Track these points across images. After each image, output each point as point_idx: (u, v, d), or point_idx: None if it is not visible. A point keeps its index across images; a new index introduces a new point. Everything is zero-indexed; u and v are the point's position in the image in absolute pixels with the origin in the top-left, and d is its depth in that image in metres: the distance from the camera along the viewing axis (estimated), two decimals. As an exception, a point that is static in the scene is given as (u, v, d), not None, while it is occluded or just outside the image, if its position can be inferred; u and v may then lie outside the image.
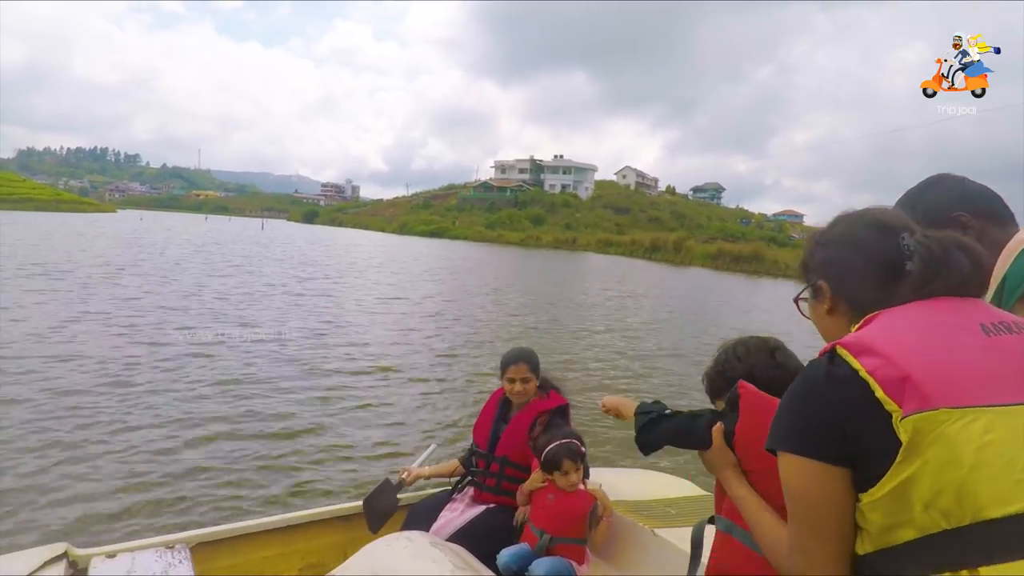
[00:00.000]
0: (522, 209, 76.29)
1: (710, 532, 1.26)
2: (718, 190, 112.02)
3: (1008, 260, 1.06)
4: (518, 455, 2.34)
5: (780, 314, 17.45)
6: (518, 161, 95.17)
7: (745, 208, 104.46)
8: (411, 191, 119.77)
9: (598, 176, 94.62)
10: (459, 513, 2.32)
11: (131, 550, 1.89)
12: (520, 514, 2.27)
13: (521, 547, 2.09)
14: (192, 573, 1.83)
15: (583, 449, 2.16)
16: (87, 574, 1.77)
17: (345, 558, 2.00)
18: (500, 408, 2.51)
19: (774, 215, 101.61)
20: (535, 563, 2.03)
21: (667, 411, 1.27)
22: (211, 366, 7.06)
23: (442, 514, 2.33)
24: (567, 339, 10.97)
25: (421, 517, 2.32)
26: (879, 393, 0.71)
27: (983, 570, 0.65)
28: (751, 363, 1.26)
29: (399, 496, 2.46)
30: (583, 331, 12.10)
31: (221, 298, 12.55)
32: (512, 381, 2.38)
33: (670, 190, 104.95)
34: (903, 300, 0.82)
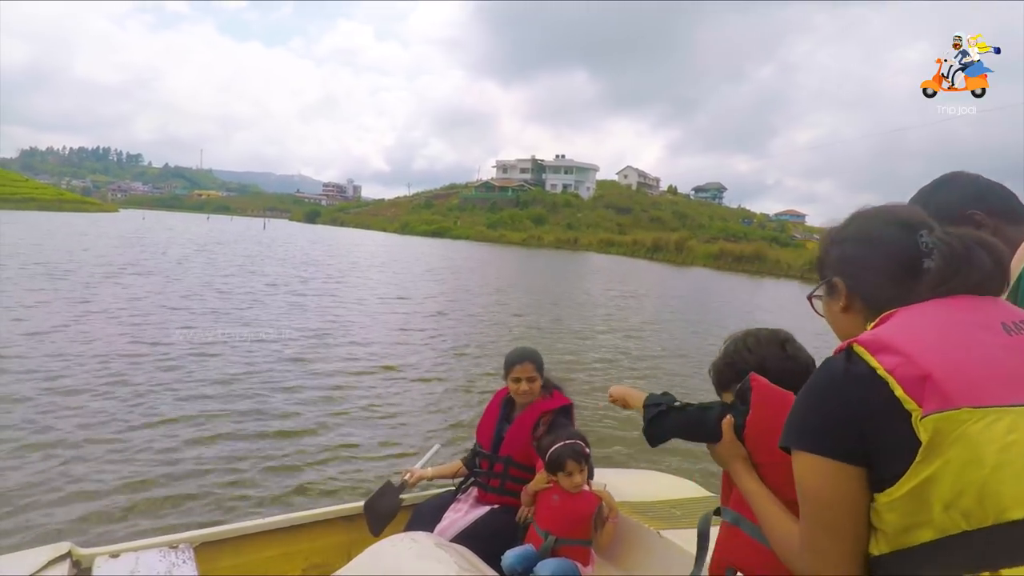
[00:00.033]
0: (524, 209, 76.33)
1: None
2: (720, 190, 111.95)
3: (1023, 259, 1.05)
4: (522, 455, 2.33)
5: (783, 314, 17.44)
6: (520, 161, 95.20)
7: (747, 208, 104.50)
8: (413, 191, 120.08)
9: (600, 176, 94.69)
10: (463, 514, 2.31)
11: (135, 550, 1.89)
12: (523, 512, 2.26)
13: (526, 548, 2.08)
14: (196, 573, 1.82)
15: (587, 450, 2.14)
16: (91, 574, 1.76)
17: (349, 559, 1.99)
18: (503, 408, 2.49)
19: (776, 215, 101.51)
20: (540, 564, 2.02)
21: (676, 403, 1.26)
22: (214, 365, 7.07)
23: (446, 515, 2.32)
24: (570, 339, 10.96)
25: (425, 518, 2.31)
26: (898, 392, 0.70)
27: (1005, 572, 0.64)
28: (762, 355, 1.24)
29: (402, 496, 2.45)
30: (586, 331, 12.09)
31: (223, 298, 12.57)
32: (518, 381, 2.37)
33: (672, 190, 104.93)
34: (920, 298, 0.81)
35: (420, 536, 1.93)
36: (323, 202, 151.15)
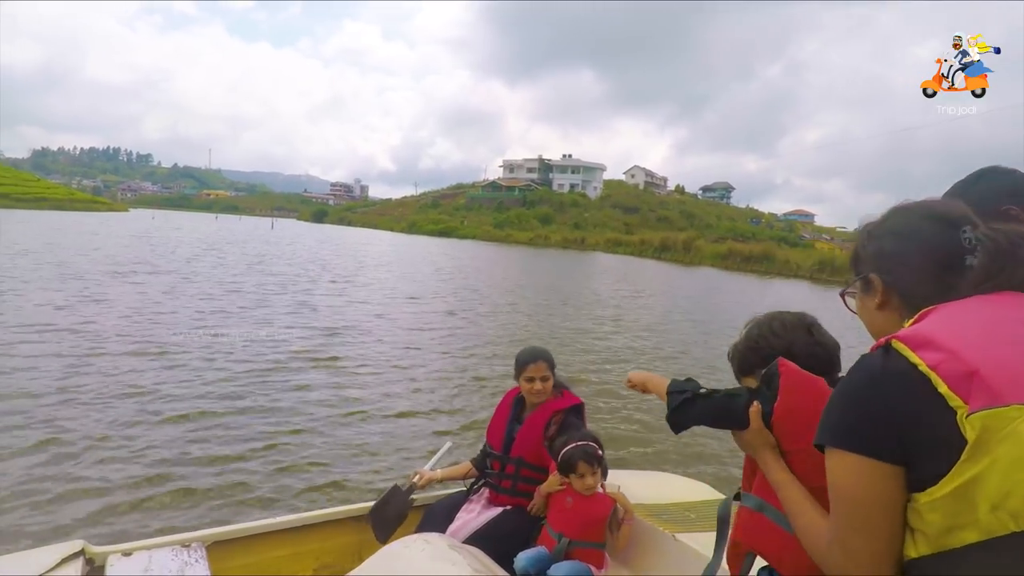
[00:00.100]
0: (530, 208, 76.25)
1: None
2: (728, 189, 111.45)
3: None
4: (533, 456, 2.32)
5: (792, 314, 17.26)
6: (526, 160, 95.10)
7: (755, 208, 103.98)
8: (419, 190, 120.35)
9: (607, 175, 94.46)
10: (476, 515, 2.29)
11: (147, 548, 1.89)
12: (536, 504, 2.23)
13: (539, 550, 2.06)
14: (208, 572, 1.82)
15: (600, 452, 2.12)
16: (104, 572, 1.76)
17: (359, 559, 1.98)
18: (514, 408, 2.48)
19: (784, 215, 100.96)
20: (553, 567, 2.00)
21: (702, 390, 1.23)
22: (224, 364, 7.09)
23: (458, 515, 2.30)
24: (580, 339, 10.92)
25: (437, 518, 2.30)
26: (942, 388, 0.68)
27: None
28: (789, 339, 1.21)
29: (413, 497, 2.44)
30: (596, 331, 12.05)
31: (233, 296, 12.63)
32: (531, 380, 2.35)
33: (679, 189, 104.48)
34: (961, 295, 0.79)
35: (433, 537, 1.91)
36: (330, 202, 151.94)
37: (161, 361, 6.99)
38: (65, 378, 6.02)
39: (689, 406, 1.20)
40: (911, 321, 0.80)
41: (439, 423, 5.85)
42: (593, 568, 2.03)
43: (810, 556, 0.91)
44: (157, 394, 5.81)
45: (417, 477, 2.47)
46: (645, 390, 1.42)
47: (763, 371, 1.15)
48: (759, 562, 1.16)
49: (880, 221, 0.94)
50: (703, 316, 16.09)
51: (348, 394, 6.46)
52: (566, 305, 16.01)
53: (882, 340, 0.77)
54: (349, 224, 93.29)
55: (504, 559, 1.97)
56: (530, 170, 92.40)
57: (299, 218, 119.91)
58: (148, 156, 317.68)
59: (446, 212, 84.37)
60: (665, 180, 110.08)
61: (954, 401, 0.67)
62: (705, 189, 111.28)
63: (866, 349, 0.80)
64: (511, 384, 2.53)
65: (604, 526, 2.11)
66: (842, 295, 1.00)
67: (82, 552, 1.76)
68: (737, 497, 1.23)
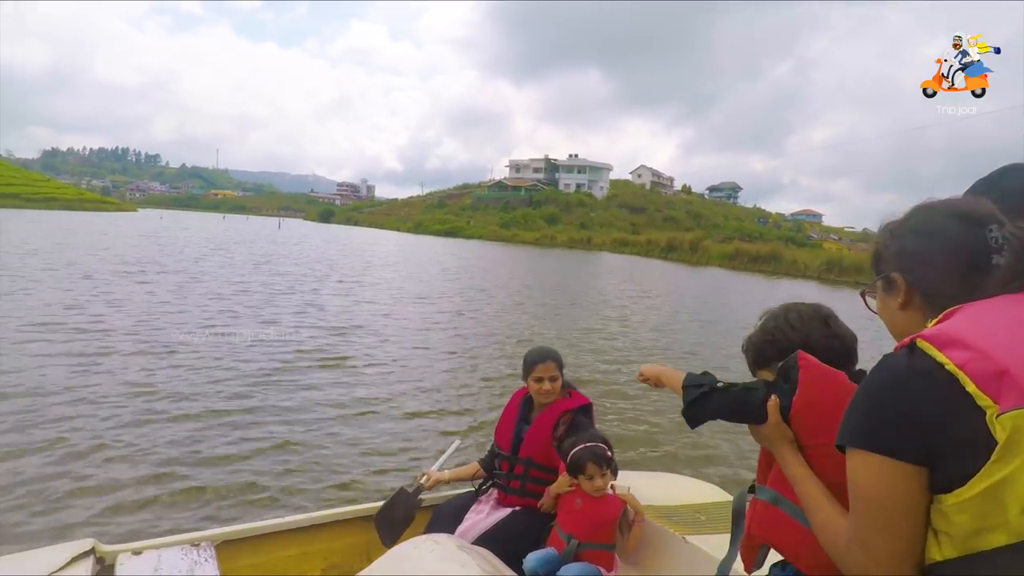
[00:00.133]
0: (536, 208, 76.21)
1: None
2: (735, 189, 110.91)
3: None
4: (542, 456, 2.30)
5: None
6: (532, 160, 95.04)
7: (762, 207, 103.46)
8: (426, 190, 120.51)
9: (613, 175, 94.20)
10: (485, 516, 2.28)
11: (157, 547, 1.89)
12: (545, 503, 2.22)
13: (548, 552, 2.05)
14: (217, 571, 1.81)
15: (609, 453, 2.10)
16: (114, 571, 1.76)
17: (367, 559, 1.98)
18: (522, 409, 2.47)
19: (792, 215, 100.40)
20: (563, 569, 1.99)
21: (718, 383, 1.21)
22: (233, 364, 7.12)
23: (467, 516, 2.29)
24: (588, 339, 10.89)
25: (446, 519, 2.29)
26: (971, 388, 0.67)
27: None
28: (806, 331, 1.19)
29: (421, 498, 2.42)
30: (604, 331, 12.02)
31: (241, 295, 12.69)
32: (540, 380, 2.34)
33: (686, 189, 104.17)
34: (986, 294, 0.78)
35: (442, 538, 1.90)
36: (337, 202, 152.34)
37: (169, 360, 7.02)
38: (74, 377, 6.06)
39: (706, 400, 1.18)
40: (935, 321, 0.79)
41: (447, 423, 5.84)
42: (603, 570, 2.02)
43: (827, 553, 0.89)
44: (165, 393, 5.83)
45: (424, 478, 2.45)
46: (658, 384, 1.40)
47: (780, 364, 1.13)
48: (773, 555, 1.14)
49: (902, 220, 0.92)
50: (711, 316, 16.00)
51: (356, 394, 6.46)
52: (573, 305, 15.98)
53: (906, 340, 0.76)
54: (355, 224, 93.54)
55: (513, 560, 1.96)
56: (536, 170, 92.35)
57: (306, 218, 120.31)
58: (156, 156, 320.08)
59: (452, 212, 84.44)
60: (672, 180, 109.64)
61: (983, 401, 0.66)
62: (712, 189, 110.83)
63: (876, 347, 0.78)
64: (519, 384, 2.52)
65: (614, 528, 2.10)
66: (863, 295, 0.98)
67: (92, 551, 1.76)
68: (752, 490, 1.21)
